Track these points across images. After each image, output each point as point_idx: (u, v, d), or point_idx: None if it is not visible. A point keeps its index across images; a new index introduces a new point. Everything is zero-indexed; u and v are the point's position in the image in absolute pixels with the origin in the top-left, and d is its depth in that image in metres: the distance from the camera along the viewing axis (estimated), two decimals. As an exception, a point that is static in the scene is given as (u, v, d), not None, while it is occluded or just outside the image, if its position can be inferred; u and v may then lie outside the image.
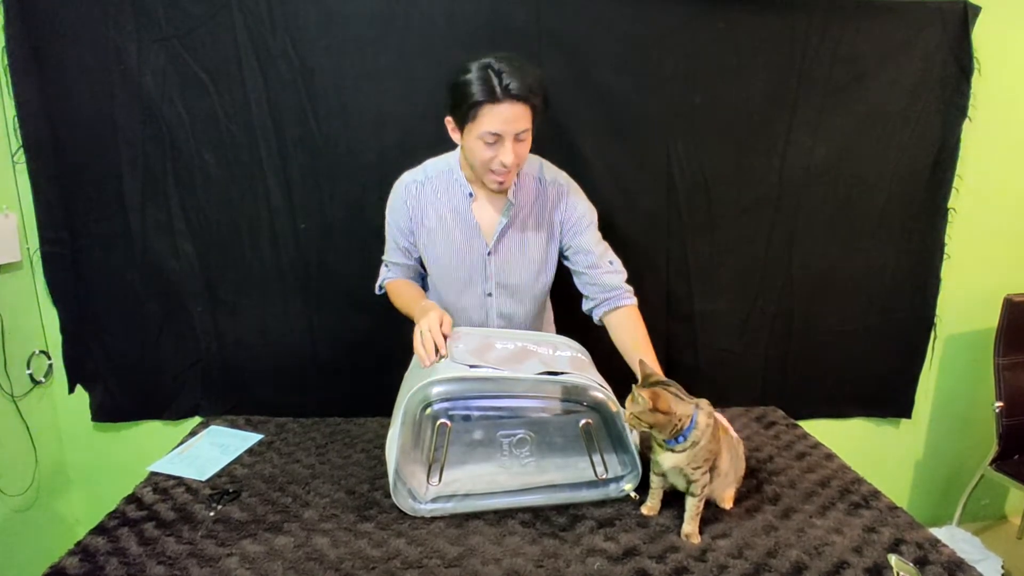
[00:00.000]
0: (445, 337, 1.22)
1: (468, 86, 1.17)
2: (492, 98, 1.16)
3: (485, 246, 1.38)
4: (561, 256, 1.46)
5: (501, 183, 1.28)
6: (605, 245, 1.45)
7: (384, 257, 1.49)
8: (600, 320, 1.43)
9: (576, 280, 1.46)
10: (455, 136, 1.28)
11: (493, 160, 1.23)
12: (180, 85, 1.60)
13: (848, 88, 1.78)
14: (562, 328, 1.59)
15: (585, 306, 1.45)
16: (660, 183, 1.80)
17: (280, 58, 1.60)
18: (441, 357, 1.21)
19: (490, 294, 1.41)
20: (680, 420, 1.07)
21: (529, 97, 1.18)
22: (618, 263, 1.44)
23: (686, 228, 1.83)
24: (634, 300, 1.42)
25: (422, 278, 1.51)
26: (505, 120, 1.18)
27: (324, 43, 1.61)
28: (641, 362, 1.16)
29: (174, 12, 1.56)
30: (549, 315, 1.59)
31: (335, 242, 1.72)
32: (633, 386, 1.09)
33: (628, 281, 1.43)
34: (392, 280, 1.48)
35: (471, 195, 1.36)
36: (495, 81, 1.16)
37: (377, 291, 1.51)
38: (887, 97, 1.80)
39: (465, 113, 1.20)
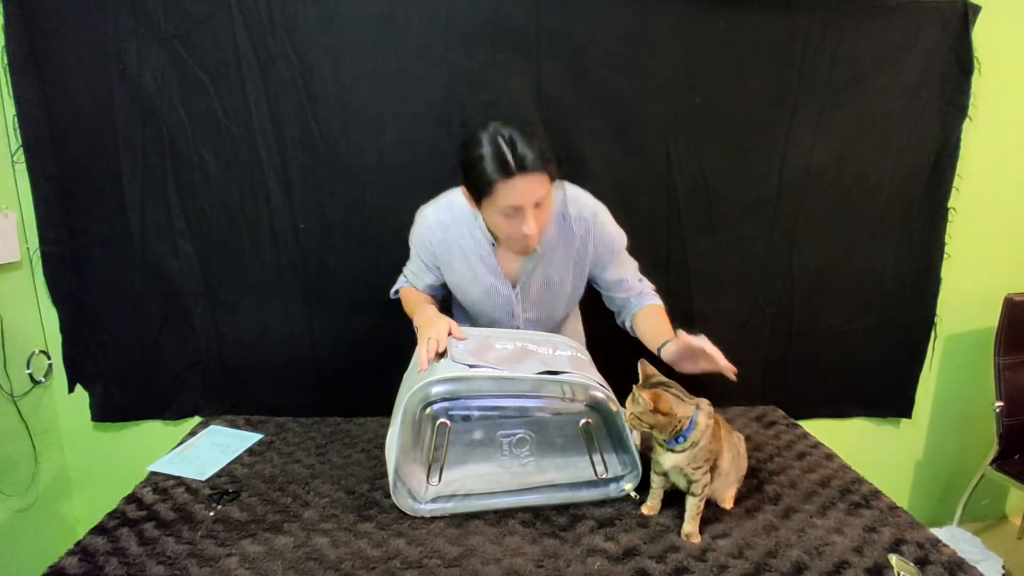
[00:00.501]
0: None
1: (481, 163, 1.14)
2: (507, 174, 1.13)
3: (512, 288, 1.38)
4: (594, 283, 1.46)
5: (527, 247, 1.28)
6: (634, 265, 1.45)
7: (405, 271, 1.50)
8: (631, 327, 1.45)
9: (609, 303, 1.49)
10: (471, 206, 1.26)
11: (515, 231, 1.21)
12: (180, 85, 1.60)
13: (848, 88, 1.78)
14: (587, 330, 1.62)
15: (618, 320, 1.50)
16: (660, 183, 1.79)
17: (280, 58, 1.60)
18: (440, 356, 1.21)
19: (518, 327, 1.43)
20: (680, 421, 1.07)
21: (546, 167, 1.16)
22: (646, 280, 1.48)
23: (686, 228, 1.83)
24: (657, 300, 1.46)
25: (444, 299, 1.52)
26: (523, 193, 1.16)
27: (324, 43, 1.61)
28: (642, 362, 1.16)
29: (173, 12, 1.55)
30: (577, 319, 1.60)
31: (335, 242, 1.72)
32: (634, 387, 1.09)
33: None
34: (407, 287, 1.49)
35: (493, 244, 1.34)
36: (508, 154, 1.13)
37: (392, 295, 1.53)
38: (887, 97, 1.80)
39: (481, 190, 1.18)
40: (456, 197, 1.35)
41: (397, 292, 1.52)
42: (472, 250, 1.35)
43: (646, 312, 1.43)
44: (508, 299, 1.39)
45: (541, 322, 1.43)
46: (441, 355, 1.21)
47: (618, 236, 1.42)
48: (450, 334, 1.24)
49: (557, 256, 1.37)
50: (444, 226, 1.35)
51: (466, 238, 1.34)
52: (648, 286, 1.47)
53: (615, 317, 1.51)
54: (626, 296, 1.45)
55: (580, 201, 1.36)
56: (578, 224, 1.36)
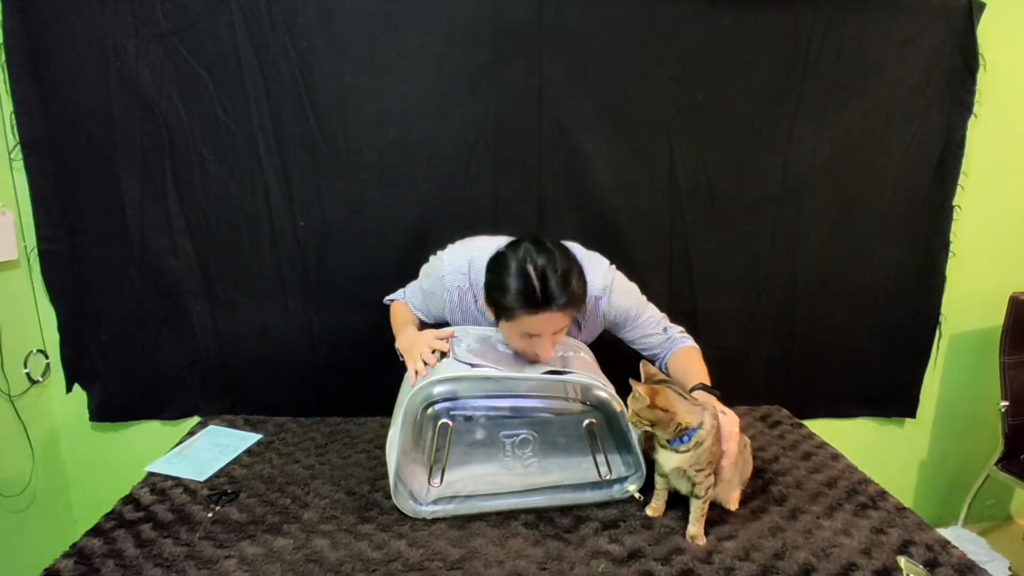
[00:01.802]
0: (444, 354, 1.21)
1: (507, 292, 1.12)
2: (532, 309, 1.12)
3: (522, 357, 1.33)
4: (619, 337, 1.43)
5: (537, 360, 1.23)
6: (656, 316, 1.40)
7: (407, 293, 1.50)
8: (665, 367, 1.39)
9: (640, 353, 1.43)
10: (489, 314, 1.24)
11: (529, 350, 1.19)
12: (178, 82, 1.58)
13: (852, 85, 1.76)
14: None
15: (655, 363, 1.42)
16: (662, 181, 1.78)
17: (279, 55, 1.59)
18: (443, 356, 1.19)
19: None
20: (681, 419, 1.06)
21: (569, 306, 1.14)
22: (667, 322, 1.42)
23: (688, 226, 1.81)
24: (687, 342, 1.39)
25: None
26: (544, 324, 1.14)
27: (323, 40, 1.59)
28: (643, 363, 1.13)
29: (172, 8, 1.54)
30: None
31: (335, 240, 1.71)
32: (631, 381, 1.07)
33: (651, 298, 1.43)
34: (401, 303, 1.48)
35: None
36: (537, 290, 1.10)
37: (385, 301, 1.52)
38: (892, 94, 1.78)
39: (502, 312, 1.16)
40: (479, 260, 1.28)
41: (392, 301, 1.51)
42: (486, 318, 1.31)
43: (675, 356, 1.37)
44: (517, 360, 1.31)
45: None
46: (443, 355, 1.20)
47: (632, 303, 1.37)
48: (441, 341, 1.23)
49: (571, 327, 1.33)
50: (461, 292, 1.33)
51: (482, 305, 1.29)
52: (675, 331, 1.41)
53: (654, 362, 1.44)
54: (652, 350, 1.40)
55: (590, 279, 1.27)
56: (589, 302, 1.31)
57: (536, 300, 1.11)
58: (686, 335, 1.40)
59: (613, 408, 1.17)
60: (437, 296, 1.36)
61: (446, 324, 1.42)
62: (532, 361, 1.22)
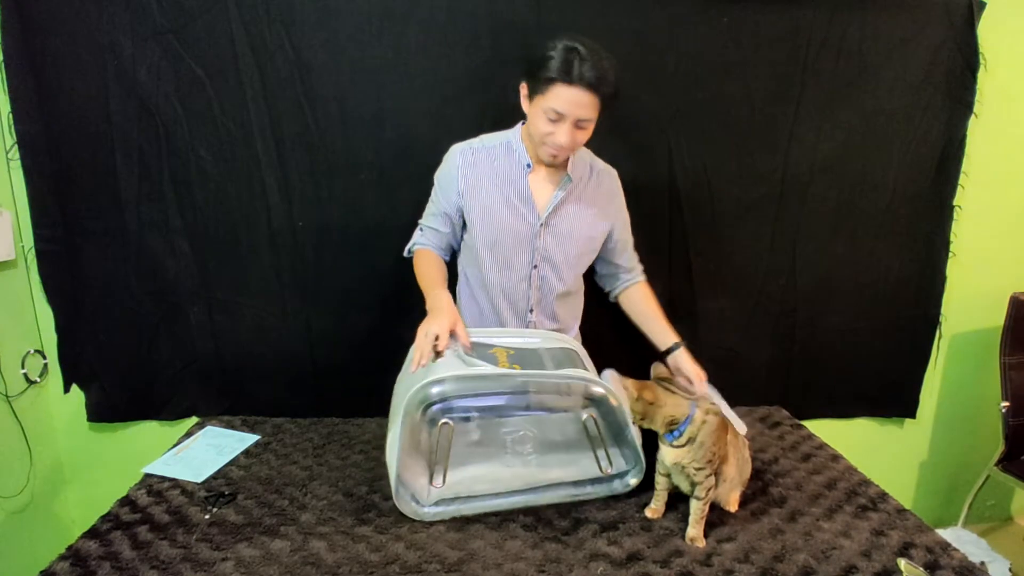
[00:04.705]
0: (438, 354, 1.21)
1: (549, 60, 1.20)
2: (567, 79, 1.19)
3: (538, 218, 1.37)
4: (603, 247, 1.50)
5: (554, 156, 1.31)
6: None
7: (421, 220, 1.49)
8: (615, 298, 1.55)
9: (600, 267, 1.54)
10: (524, 104, 1.31)
11: (549, 136, 1.26)
12: (175, 80, 1.57)
13: (852, 84, 1.76)
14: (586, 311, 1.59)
15: (606, 287, 1.58)
16: (662, 180, 1.77)
17: (277, 53, 1.58)
18: (437, 356, 1.19)
19: (536, 266, 1.41)
20: (670, 410, 1.07)
21: (601, 88, 1.21)
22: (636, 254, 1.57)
23: (688, 226, 1.81)
24: (643, 278, 1.56)
25: (451, 254, 1.50)
26: (571, 103, 1.21)
27: (321, 38, 1.58)
28: (655, 365, 1.14)
29: (169, 6, 1.53)
30: (582, 296, 1.57)
31: (333, 240, 1.70)
32: (622, 379, 1.10)
33: None
34: (423, 248, 1.46)
35: (529, 166, 1.37)
36: (576, 63, 1.18)
37: (405, 254, 1.50)
38: (892, 93, 1.78)
39: (538, 84, 1.23)
40: (485, 136, 1.42)
41: (411, 251, 1.48)
42: (504, 174, 1.38)
43: (639, 292, 1.52)
44: (532, 229, 1.38)
45: (558, 269, 1.41)
46: (438, 354, 1.19)
47: (628, 222, 1.53)
48: (454, 334, 1.22)
49: (586, 196, 1.41)
50: (473, 150, 1.40)
51: (499, 161, 1.38)
52: (639, 264, 1.56)
53: (605, 287, 1.58)
54: (623, 265, 1.53)
55: (605, 163, 1.47)
56: (607, 176, 1.45)
57: (571, 71, 1.18)
58: (643, 272, 1.56)
59: (610, 403, 1.16)
60: (452, 166, 1.40)
61: (462, 222, 1.44)
62: (549, 158, 1.30)
